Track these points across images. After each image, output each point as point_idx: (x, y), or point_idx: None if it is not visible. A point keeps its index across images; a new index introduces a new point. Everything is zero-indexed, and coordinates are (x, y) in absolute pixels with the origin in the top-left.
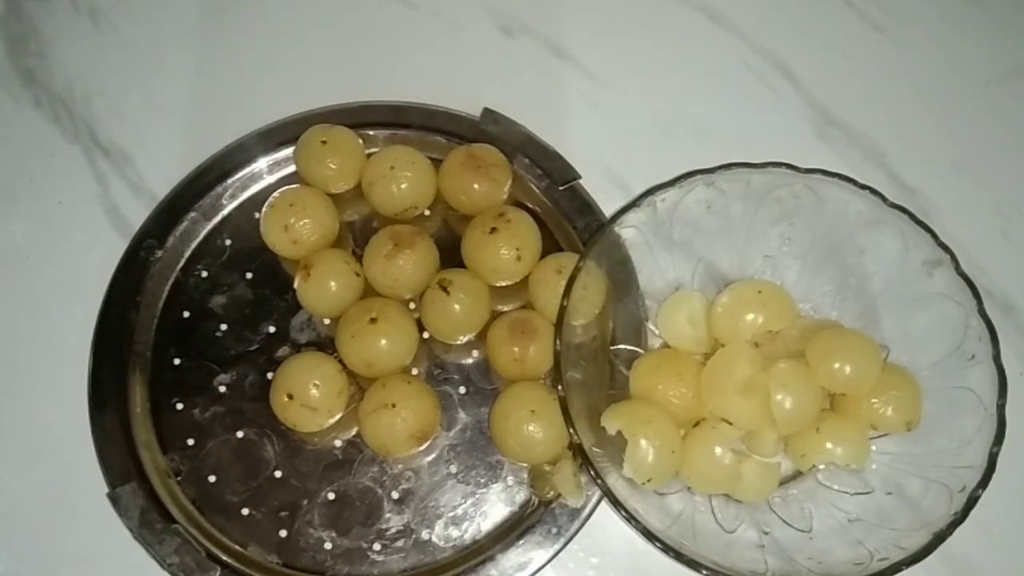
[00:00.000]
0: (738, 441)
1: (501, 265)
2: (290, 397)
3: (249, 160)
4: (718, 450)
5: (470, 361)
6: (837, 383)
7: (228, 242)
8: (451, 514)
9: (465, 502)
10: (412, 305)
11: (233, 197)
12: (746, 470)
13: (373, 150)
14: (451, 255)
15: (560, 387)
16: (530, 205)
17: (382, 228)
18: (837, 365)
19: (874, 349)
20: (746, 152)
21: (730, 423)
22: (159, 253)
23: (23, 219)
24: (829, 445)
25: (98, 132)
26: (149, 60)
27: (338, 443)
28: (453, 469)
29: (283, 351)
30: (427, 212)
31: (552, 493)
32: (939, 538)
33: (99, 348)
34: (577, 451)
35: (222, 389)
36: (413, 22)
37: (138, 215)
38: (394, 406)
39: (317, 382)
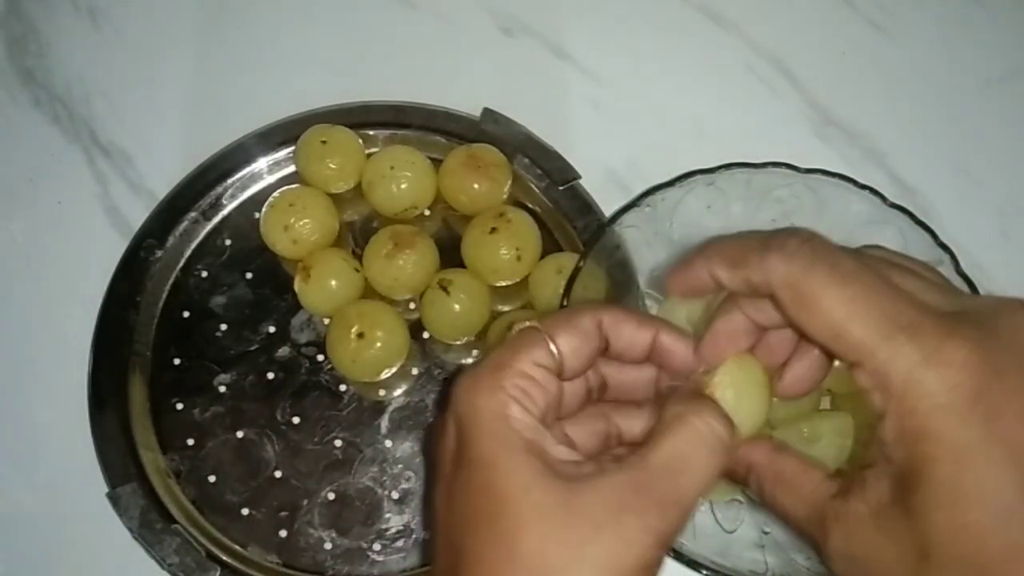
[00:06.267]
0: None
1: (501, 265)
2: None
3: (249, 160)
4: None
5: (470, 361)
6: (829, 380)
7: (228, 242)
8: None
9: None
10: (412, 305)
11: (233, 197)
12: None
13: (373, 150)
14: (451, 255)
15: None
16: (530, 205)
17: (382, 228)
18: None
19: None
20: (746, 152)
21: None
22: (159, 253)
23: (23, 219)
24: None
25: (98, 132)
26: (149, 60)
27: (338, 443)
28: None
29: (283, 351)
30: (427, 212)
31: None
32: None
33: (99, 348)
34: None
35: (222, 389)
36: (413, 22)
37: (138, 215)
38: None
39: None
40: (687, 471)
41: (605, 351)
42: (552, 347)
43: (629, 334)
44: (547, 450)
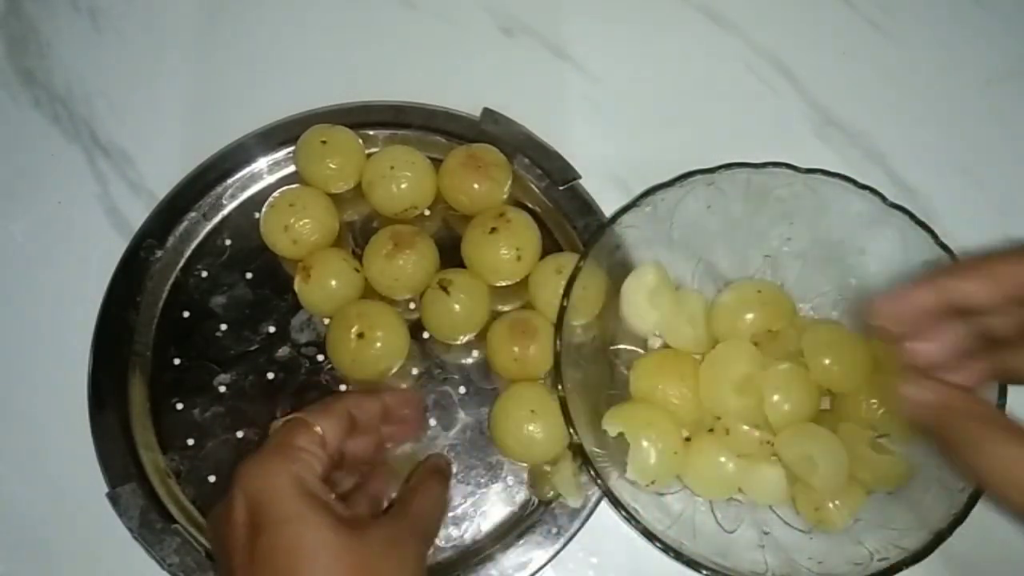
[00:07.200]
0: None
1: (501, 265)
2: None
3: (249, 160)
4: (723, 459)
5: (470, 361)
6: (828, 379)
7: (228, 242)
8: (451, 514)
9: (465, 502)
10: (412, 305)
11: (233, 197)
12: (761, 472)
13: (373, 150)
14: (451, 255)
15: (560, 387)
16: (530, 205)
17: (382, 228)
18: (828, 361)
19: (865, 347)
20: (746, 152)
21: (719, 418)
22: (159, 253)
23: (23, 219)
24: None
25: (98, 132)
26: (149, 60)
27: None
28: (453, 469)
29: (283, 351)
30: (427, 212)
31: (552, 493)
32: (939, 538)
33: (99, 348)
34: (577, 451)
35: (222, 389)
36: (413, 22)
37: (138, 215)
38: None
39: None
40: (432, 514)
41: (354, 429)
42: (317, 429)
43: (366, 407)
44: (331, 505)
